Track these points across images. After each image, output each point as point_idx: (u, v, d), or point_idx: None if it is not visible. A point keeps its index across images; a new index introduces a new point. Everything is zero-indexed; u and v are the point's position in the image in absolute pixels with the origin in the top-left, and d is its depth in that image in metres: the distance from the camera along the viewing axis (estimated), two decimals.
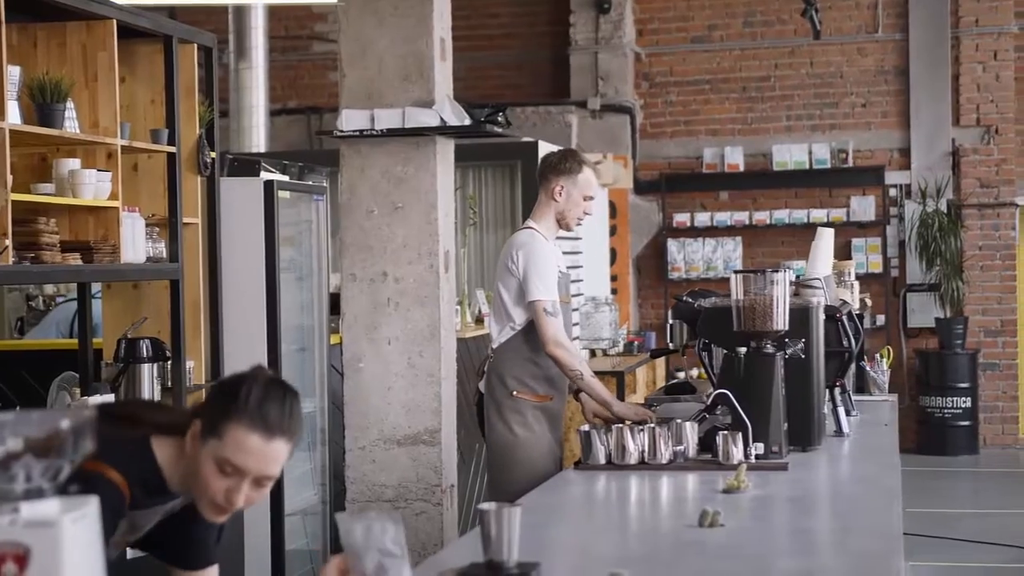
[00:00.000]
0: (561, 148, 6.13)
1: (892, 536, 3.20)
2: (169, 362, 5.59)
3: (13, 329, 8.61)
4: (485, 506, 2.75)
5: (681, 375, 10.69)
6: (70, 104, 4.90)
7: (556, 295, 5.19)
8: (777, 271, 4.45)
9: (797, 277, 5.44)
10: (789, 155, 12.84)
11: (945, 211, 12.47)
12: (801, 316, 4.57)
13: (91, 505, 1.77)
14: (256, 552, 6.17)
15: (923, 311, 12.66)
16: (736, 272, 4.49)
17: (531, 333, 5.24)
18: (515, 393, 5.24)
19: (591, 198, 5.35)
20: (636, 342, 10.84)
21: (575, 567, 3.09)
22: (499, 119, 5.80)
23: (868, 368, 6.40)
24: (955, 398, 12.30)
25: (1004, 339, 12.70)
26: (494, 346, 5.36)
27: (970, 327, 12.52)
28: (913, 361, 12.68)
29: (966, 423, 12.34)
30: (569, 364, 5.14)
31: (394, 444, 5.65)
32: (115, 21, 5.15)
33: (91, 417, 1.80)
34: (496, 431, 5.28)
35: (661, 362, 11.02)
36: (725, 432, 4.25)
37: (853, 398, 5.76)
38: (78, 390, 5.57)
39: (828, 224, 12.36)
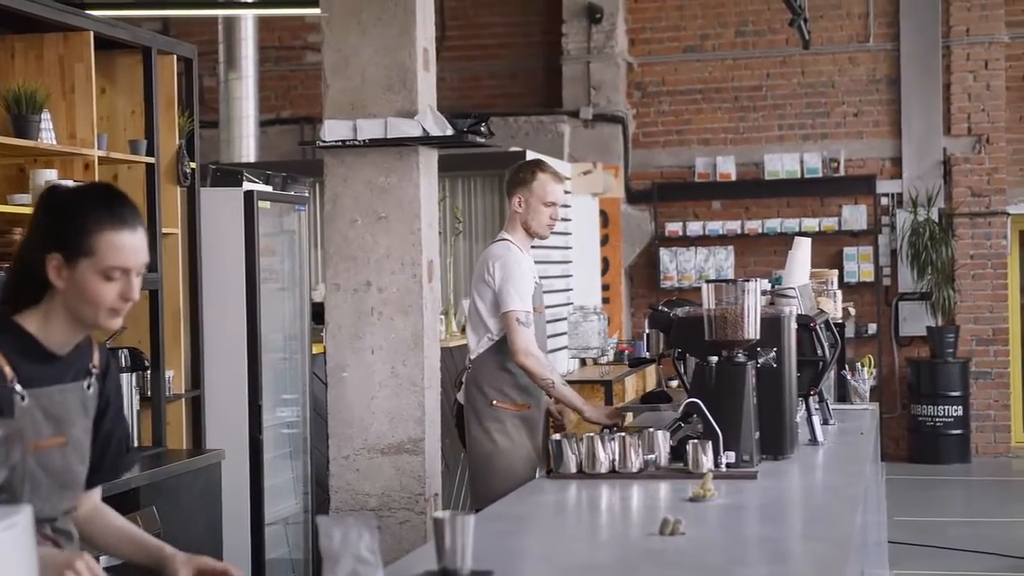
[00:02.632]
0: (522, 161, 6.11)
1: (849, 544, 3.21)
2: (148, 372, 5.61)
3: None
4: (439, 514, 2.78)
5: (674, 384, 10.68)
6: (46, 115, 4.93)
7: (530, 306, 5.24)
8: (748, 281, 4.46)
9: (773, 286, 5.45)
10: (781, 164, 12.86)
11: (937, 220, 12.48)
12: (773, 325, 4.59)
13: (23, 514, 1.79)
14: (235, 560, 6.17)
15: (915, 320, 12.67)
16: (708, 282, 4.51)
17: (508, 343, 5.29)
18: (495, 403, 5.30)
19: (552, 204, 5.39)
20: (627, 351, 10.85)
21: (532, 575, 3.11)
22: (481, 129, 5.82)
23: (849, 377, 6.40)
24: (947, 407, 12.30)
25: (996, 348, 12.71)
26: (472, 356, 5.41)
27: (962, 336, 12.53)
28: (905, 370, 12.69)
29: (958, 432, 12.34)
30: (540, 373, 5.19)
31: (378, 453, 5.66)
32: (92, 33, 5.17)
33: (20, 427, 1.82)
34: (476, 441, 5.34)
35: (651, 371, 11.03)
36: (695, 441, 4.26)
37: (833, 407, 5.77)
38: None
39: (820, 233, 12.41)
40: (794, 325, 4.78)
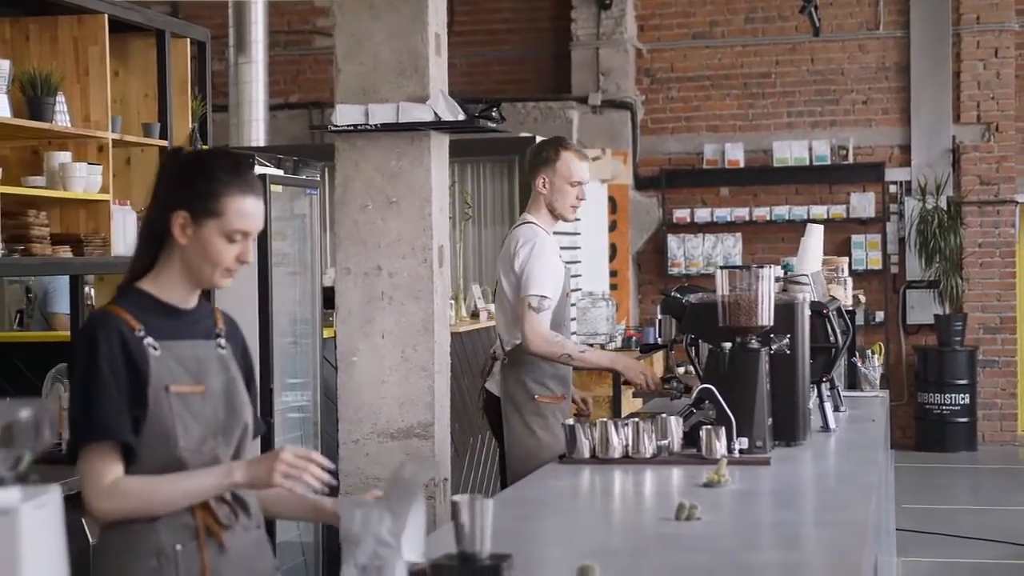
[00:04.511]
0: (543, 139, 6.07)
1: (864, 530, 3.22)
2: None
3: (12, 321, 8.65)
4: (458, 498, 2.77)
5: (681, 370, 10.68)
6: (60, 97, 4.93)
7: (551, 292, 5.18)
8: (762, 267, 4.46)
9: (786, 273, 5.45)
10: (789, 151, 12.85)
11: (945, 208, 12.47)
12: (786, 312, 4.58)
13: (53, 494, 1.80)
14: None
15: (922, 308, 12.67)
16: (722, 268, 4.50)
17: (519, 329, 5.27)
18: (537, 397, 5.24)
19: (578, 183, 5.30)
20: (635, 337, 10.84)
21: (548, 559, 3.12)
22: (493, 114, 5.81)
23: (859, 364, 6.41)
24: (954, 395, 12.31)
25: (1003, 336, 12.71)
26: (507, 348, 5.33)
27: (969, 324, 12.53)
28: (912, 357, 12.70)
29: (964, 420, 12.35)
30: (554, 354, 5.15)
31: (388, 438, 5.66)
32: (106, 16, 5.18)
33: (51, 409, 1.82)
34: (518, 436, 5.27)
35: (660, 357, 11.03)
36: (709, 427, 4.27)
37: (844, 394, 5.77)
38: None
39: (828, 220, 12.41)
40: (807, 312, 4.78)
